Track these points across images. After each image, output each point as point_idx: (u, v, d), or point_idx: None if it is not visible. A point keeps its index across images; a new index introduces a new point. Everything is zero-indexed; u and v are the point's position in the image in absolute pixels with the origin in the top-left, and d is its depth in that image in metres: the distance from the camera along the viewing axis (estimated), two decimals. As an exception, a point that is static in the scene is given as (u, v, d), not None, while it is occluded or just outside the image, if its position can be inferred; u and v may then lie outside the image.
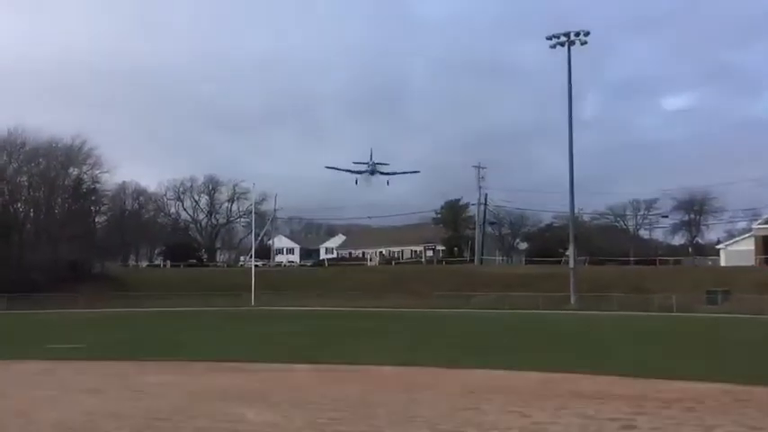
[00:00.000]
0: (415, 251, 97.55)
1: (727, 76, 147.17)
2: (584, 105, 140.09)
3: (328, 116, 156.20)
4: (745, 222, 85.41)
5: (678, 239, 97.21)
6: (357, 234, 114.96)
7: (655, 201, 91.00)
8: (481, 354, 21.10)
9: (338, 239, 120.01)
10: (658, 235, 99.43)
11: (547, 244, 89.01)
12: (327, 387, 14.33)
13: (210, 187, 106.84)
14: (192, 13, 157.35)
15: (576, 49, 59.62)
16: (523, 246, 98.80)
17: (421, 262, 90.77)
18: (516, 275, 67.23)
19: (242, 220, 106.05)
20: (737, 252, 76.64)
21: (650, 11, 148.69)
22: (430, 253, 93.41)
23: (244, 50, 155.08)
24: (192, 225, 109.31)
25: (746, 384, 13.67)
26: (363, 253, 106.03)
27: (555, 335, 30.45)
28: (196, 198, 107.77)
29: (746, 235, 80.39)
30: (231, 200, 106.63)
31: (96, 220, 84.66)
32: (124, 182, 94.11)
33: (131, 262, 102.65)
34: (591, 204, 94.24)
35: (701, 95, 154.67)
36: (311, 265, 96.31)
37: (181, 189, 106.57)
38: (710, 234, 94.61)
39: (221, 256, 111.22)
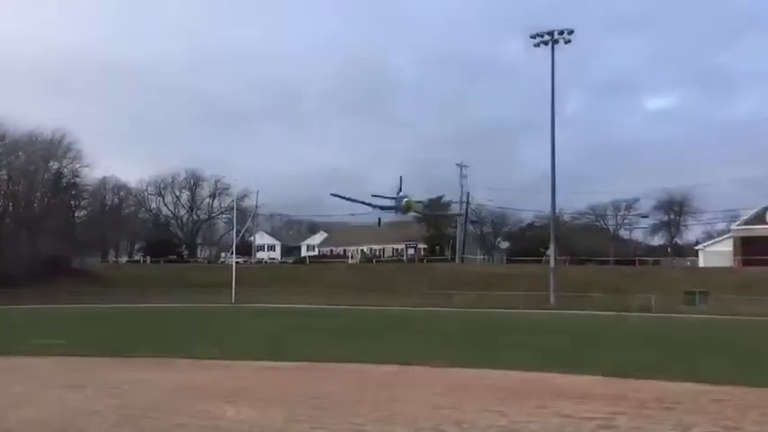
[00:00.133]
0: (397, 249, 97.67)
1: (709, 77, 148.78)
2: (567, 104, 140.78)
3: (312, 112, 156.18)
4: (723, 223, 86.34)
5: (657, 240, 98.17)
6: (339, 231, 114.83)
7: (635, 201, 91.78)
8: (462, 353, 21.15)
9: (320, 237, 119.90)
10: (638, 235, 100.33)
11: (528, 243, 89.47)
12: (308, 385, 14.32)
13: (192, 183, 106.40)
14: (176, 6, 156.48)
15: (559, 48, 60.05)
16: (505, 245, 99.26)
17: (402, 260, 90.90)
18: (497, 274, 67.56)
19: (223, 216, 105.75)
20: (716, 253, 77.44)
21: (634, 11, 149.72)
22: (411, 251, 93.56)
23: (228, 45, 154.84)
24: (172, 221, 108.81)
25: (724, 384, 13.80)
26: (345, 250, 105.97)
27: (534, 334, 30.56)
28: (177, 193, 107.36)
29: (725, 236, 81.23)
30: (213, 195, 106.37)
31: (76, 214, 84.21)
32: (105, 177, 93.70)
33: (111, 257, 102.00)
34: (572, 204, 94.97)
35: (682, 96, 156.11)
36: (292, 263, 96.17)
37: (162, 184, 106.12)
38: (689, 235, 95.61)
39: (202, 253, 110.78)
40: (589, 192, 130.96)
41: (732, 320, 41.09)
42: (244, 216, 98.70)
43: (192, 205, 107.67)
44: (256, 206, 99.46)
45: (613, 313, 46.64)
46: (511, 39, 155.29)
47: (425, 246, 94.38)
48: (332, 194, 21.48)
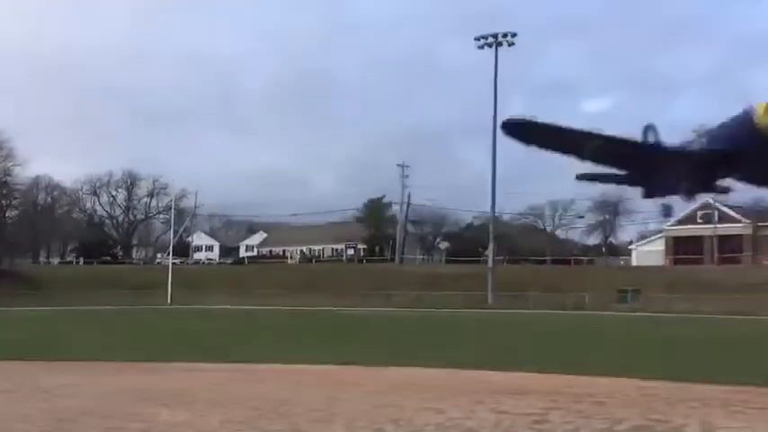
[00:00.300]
0: (337, 250, 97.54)
1: (643, 80, 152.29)
2: (508, 106, 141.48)
3: (252, 112, 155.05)
4: (656, 224, 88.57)
5: (593, 240, 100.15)
6: (278, 232, 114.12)
7: (572, 202, 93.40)
8: (400, 352, 21.24)
9: (259, 237, 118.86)
10: (574, 235, 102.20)
11: (467, 243, 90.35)
12: (245, 386, 14.18)
13: (129, 182, 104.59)
14: (112, 2, 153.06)
15: (503, 50, 60.97)
16: (444, 245, 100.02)
17: (342, 260, 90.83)
18: (436, 274, 68.08)
19: (161, 216, 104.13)
20: (648, 252, 79.62)
21: (574, 15, 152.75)
22: (351, 251, 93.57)
23: (166, 42, 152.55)
24: (108, 221, 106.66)
25: (654, 379, 14.19)
26: (284, 251, 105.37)
27: (472, 333, 30.93)
28: (113, 193, 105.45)
29: (657, 236, 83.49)
30: (150, 195, 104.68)
31: (7, 214, 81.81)
32: (38, 176, 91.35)
33: (42, 258, 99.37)
34: (511, 204, 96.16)
35: (617, 99, 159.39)
36: (231, 263, 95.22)
37: (97, 184, 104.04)
38: (624, 235, 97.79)
39: (138, 254, 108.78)
40: (528, 192, 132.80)
41: (662, 317, 42.20)
42: (182, 216, 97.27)
43: (129, 205, 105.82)
44: (195, 206, 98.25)
45: (549, 311, 47.45)
46: (454, 41, 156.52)
47: (365, 246, 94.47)
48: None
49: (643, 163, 16.31)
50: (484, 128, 64.41)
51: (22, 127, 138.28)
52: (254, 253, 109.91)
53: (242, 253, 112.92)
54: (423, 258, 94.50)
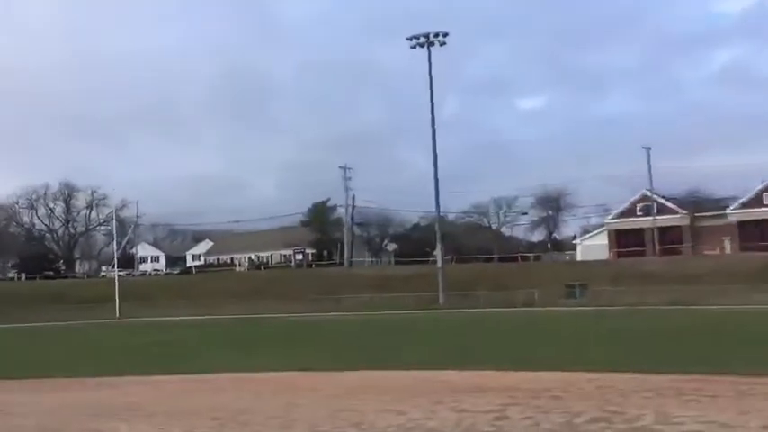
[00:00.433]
0: (285, 255, 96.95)
1: (574, 77, 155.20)
2: (445, 106, 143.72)
3: (190, 118, 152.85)
4: (597, 218, 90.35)
5: (537, 236, 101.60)
6: (224, 239, 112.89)
7: (515, 199, 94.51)
8: (355, 355, 21.29)
9: (205, 245, 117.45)
10: (519, 232, 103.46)
11: (414, 244, 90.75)
12: (203, 396, 14.06)
13: (66, 194, 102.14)
14: (40, 7, 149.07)
15: (435, 50, 61.24)
16: (392, 247, 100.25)
17: (291, 266, 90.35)
18: (385, 276, 68.16)
19: (102, 228, 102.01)
20: (592, 246, 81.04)
21: (502, 15, 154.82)
22: (299, 257, 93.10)
23: (102, 49, 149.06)
24: (47, 235, 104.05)
25: (607, 372, 14.53)
26: (232, 258, 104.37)
27: (425, 334, 31.13)
28: (51, 206, 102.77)
29: (600, 230, 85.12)
30: (89, 207, 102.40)
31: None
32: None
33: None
34: (456, 203, 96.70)
35: (551, 96, 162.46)
36: (178, 273, 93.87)
37: (34, 197, 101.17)
38: (567, 230, 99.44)
39: (81, 267, 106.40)
40: (471, 191, 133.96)
41: (609, 310, 43.02)
42: (124, 227, 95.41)
43: (68, 218, 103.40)
44: (137, 216, 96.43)
45: (500, 309, 47.98)
46: (389, 42, 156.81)
47: (313, 250, 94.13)
48: None
49: None
50: (423, 128, 64.75)
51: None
52: (202, 262, 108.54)
53: (189, 262, 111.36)
54: (371, 261, 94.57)
